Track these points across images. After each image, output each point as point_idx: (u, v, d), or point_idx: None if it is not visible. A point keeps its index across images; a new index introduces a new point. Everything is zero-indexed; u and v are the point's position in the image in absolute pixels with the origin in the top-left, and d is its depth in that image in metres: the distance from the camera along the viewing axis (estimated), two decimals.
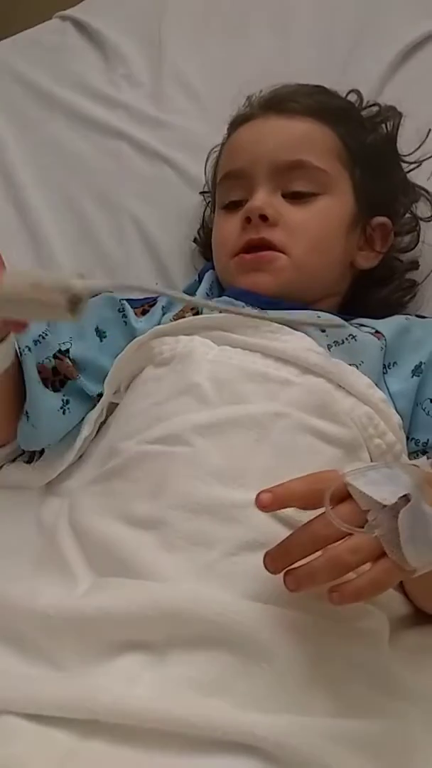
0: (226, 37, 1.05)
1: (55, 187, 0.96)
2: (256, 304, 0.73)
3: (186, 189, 0.94)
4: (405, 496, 0.49)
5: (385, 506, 0.49)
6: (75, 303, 0.54)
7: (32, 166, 0.98)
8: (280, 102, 0.82)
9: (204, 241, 0.89)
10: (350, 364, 0.69)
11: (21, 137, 0.99)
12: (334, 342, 0.71)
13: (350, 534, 0.50)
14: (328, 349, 0.70)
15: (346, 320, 0.74)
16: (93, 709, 0.50)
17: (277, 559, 0.52)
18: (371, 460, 0.66)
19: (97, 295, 0.65)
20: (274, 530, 0.55)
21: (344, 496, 0.51)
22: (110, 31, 1.06)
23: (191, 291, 0.83)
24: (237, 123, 0.85)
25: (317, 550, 0.51)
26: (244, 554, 0.56)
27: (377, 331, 0.74)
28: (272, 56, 1.01)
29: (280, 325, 0.71)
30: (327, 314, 0.74)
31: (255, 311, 0.70)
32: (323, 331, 0.71)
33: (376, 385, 0.69)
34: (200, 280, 0.84)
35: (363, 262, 0.82)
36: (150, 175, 0.96)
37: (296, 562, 0.51)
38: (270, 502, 0.51)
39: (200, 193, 0.93)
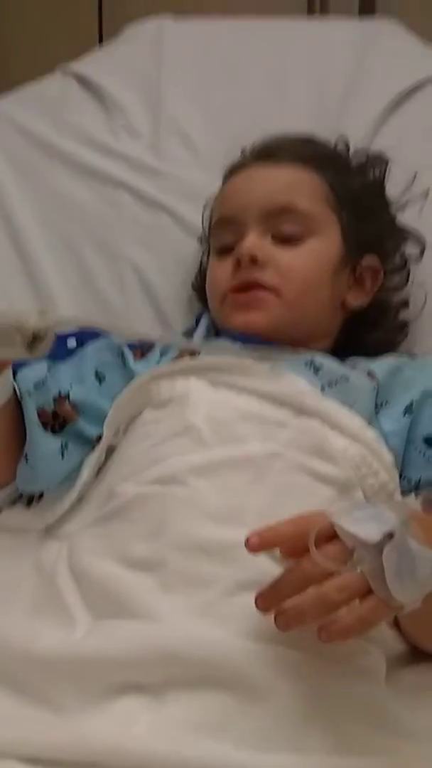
0: (223, 89, 1.08)
1: (56, 233, 0.99)
2: (251, 346, 0.75)
3: (184, 236, 0.97)
4: (390, 533, 0.50)
5: (369, 543, 0.50)
6: (33, 339, 0.56)
7: (34, 213, 1.00)
8: (269, 151, 0.85)
9: (201, 287, 0.91)
10: (343, 405, 0.70)
11: (24, 186, 1.02)
12: (327, 383, 0.73)
13: (339, 573, 0.50)
14: (322, 390, 0.72)
15: (340, 360, 0.76)
16: (91, 751, 0.50)
17: (267, 598, 0.53)
18: (365, 500, 0.67)
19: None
20: (270, 570, 0.55)
21: (332, 535, 0.52)
22: (111, 83, 1.09)
23: (189, 335, 0.85)
24: (230, 172, 0.88)
25: (306, 589, 0.51)
26: (241, 594, 0.56)
27: (370, 371, 0.75)
28: (268, 107, 1.04)
29: (274, 368, 0.72)
30: (320, 356, 0.75)
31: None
32: (316, 372, 0.73)
33: (369, 424, 0.70)
34: (197, 324, 0.86)
35: (353, 301, 0.84)
36: (149, 222, 0.98)
37: (286, 601, 0.52)
38: (258, 545, 0.52)
39: (198, 239, 0.95)
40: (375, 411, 0.73)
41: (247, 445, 0.67)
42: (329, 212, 0.82)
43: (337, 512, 0.52)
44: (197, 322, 0.87)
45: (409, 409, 0.74)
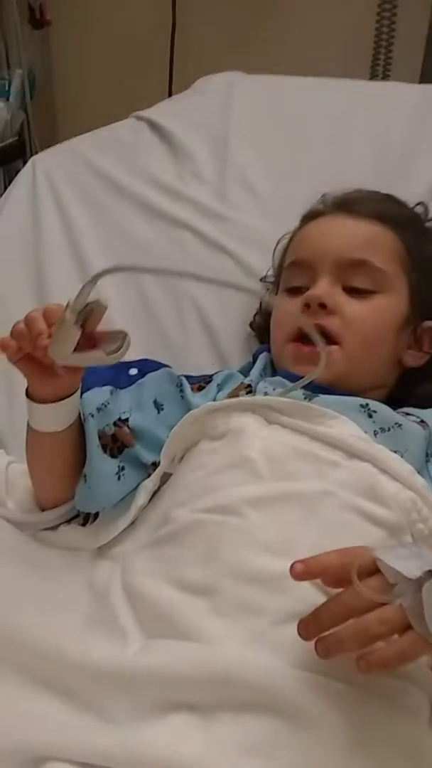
0: (286, 142, 1.12)
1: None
2: (308, 388, 0.77)
3: (243, 278, 1.00)
4: (430, 571, 0.52)
5: (410, 579, 0.52)
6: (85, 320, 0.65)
7: (102, 248, 1.05)
8: (350, 204, 0.87)
9: (259, 326, 0.95)
10: (395, 451, 0.72)
11: (94, 222, 1.07)
12: (380, 428, 0.75)
13: (378, 606, 0.52)
14: (375, 435, 0.74)
15: (393, 409, 0.78)
16: (141, 760, 0.52)
17: (309, 626, 0.55)
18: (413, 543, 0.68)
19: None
20: (319, 601, 0.57)
21: (374, 570, 0.54)
22: (180, 131, 1.14)
23: (245, 371, 0.88)
24: (309, 217, 0.90)
25: (347, 620, 0.53)
26: (291, 623, 0.57)
27: (422, 421, 0.77)
28: (328, 161, 1.08)
29: (328, 410, 0.74)
30: (375, 402, 0.77)
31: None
32: (370, 416, 0.75)
33: (418, 472, 0.72)
34: (254, 361, 0.89)
35: (410, 360, 0.85)
36: (211, 263, 1.02)
37: (328, 630, 0.54)
38: (302, 572, 0.54)
39: (260, 279, 0.98)
40: (426, 459, 0.75)
41: (301, 482, 0.69)
42: (401, 272, 0.83)
43: (380, 548, 0.55)
44: (254, 358, 0.89)
45: None
